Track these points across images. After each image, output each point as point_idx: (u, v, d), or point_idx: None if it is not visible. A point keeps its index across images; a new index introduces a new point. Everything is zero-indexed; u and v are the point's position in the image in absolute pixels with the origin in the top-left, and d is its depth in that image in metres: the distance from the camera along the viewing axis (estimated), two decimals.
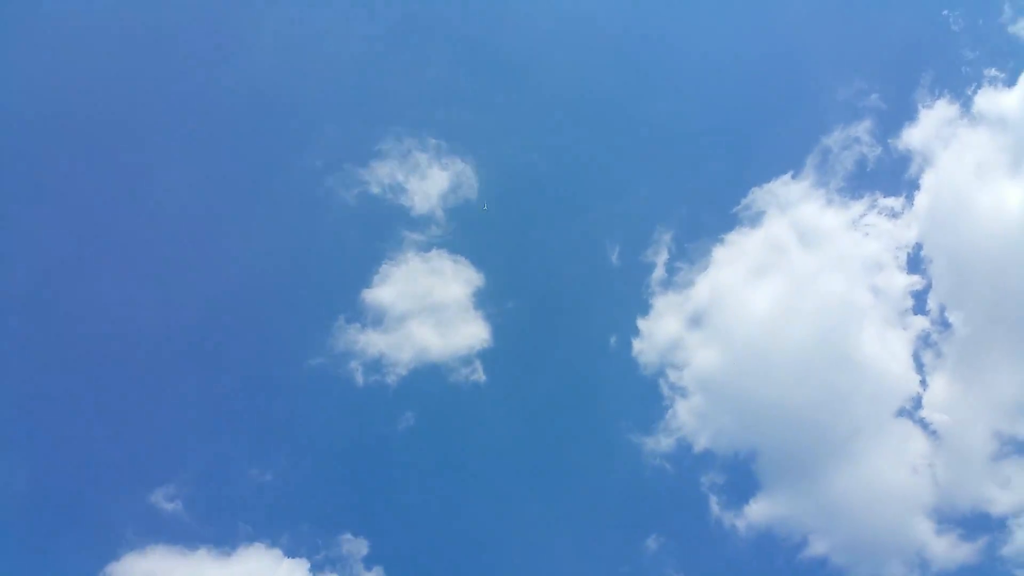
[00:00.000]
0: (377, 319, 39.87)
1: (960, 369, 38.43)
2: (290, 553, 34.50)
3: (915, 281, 39.39)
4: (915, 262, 39.66)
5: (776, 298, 39.99)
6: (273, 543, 34.61)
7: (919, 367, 38.64)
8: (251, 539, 34.66)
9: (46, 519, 34.63)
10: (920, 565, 34.64)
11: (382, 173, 41.98)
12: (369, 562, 34.95)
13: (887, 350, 39.19)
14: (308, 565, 34.31)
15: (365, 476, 37.99)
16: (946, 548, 34.76)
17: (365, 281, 40.41)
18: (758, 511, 36.66)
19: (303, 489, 36.95)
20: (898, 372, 38.93)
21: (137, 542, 33.82)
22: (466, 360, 39.53)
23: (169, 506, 34.94)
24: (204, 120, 42.38)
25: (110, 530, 34.46)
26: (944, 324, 38.58)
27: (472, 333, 40.06)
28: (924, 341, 38.82)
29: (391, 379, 39.02)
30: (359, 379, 38.80)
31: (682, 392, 39.24)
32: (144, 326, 38.90)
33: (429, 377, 39.21)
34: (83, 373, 37.75)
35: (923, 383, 38.48)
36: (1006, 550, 34.15)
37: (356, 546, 35.22)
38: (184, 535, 34.17)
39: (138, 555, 33.46)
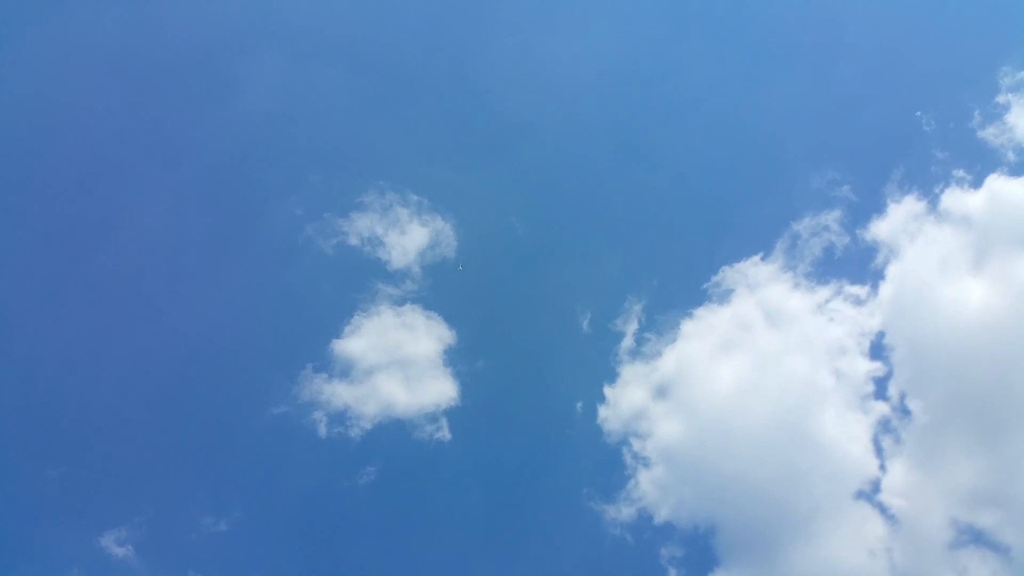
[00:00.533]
0: (345, 370, 39.92)
1: (919, 456, 39.02)
2: None
3: (877, 367, 40.12)
4: (877, 349, 40.45)
5: (741, 375, 40.58)
6: None
7: (878, 451, 39.21)
8: None
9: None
10: None
11: (362, 225, 42.52)
12: None
13: (847, 433, 39.68)
14: None
15: (322, 531, 37.47)
16: None
17: (336, 331, 40.55)
18: None
19: (257, 541, 36.41)
20: (857, 455, 39.38)
21: None
22: (432, 417, 39.68)
23: (119, 550, 34.38)
24: (187, 159, 43.10)
25: (53, 571, 33.74)
26: (904, 411, 39.25)
27: (440, 390, 40.26)
28: (884, 426, 39.44)
29: (355, 432, 39.03)
30: (322, 430, 38.81)
31: (645, 462, 39.55)
32: (106, 361, 38.85)
33: (394, 432, 39.23)
34: (43, 405, 37.30)
35: (882, 467, 38.94)
36: None
37: None
38: None
39: None
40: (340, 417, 38.90)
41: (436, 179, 43.77)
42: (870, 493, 38.22)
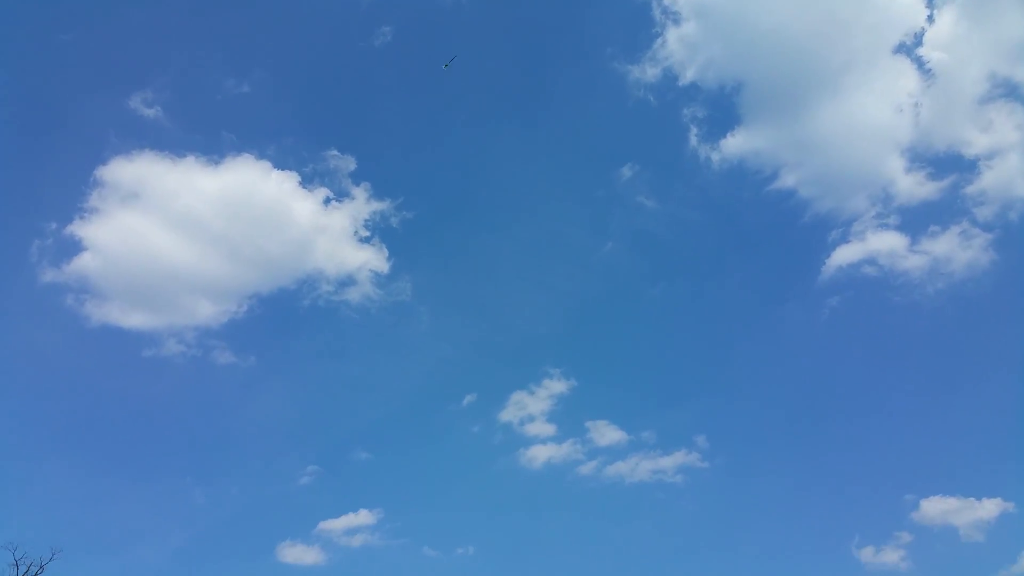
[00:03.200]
0: None
1: (971, 4, 36.21)
2: (279, 165, 35.45)
3: None
4: None
5: None
6: (261, 155, 35.36)
7: (929, 0, 36.51)
8: (238, 149, 35.31)
9: (24, 126, 35.10)
10: (883, 200, 35.84)
11: None
12: (356, 178, 36.27)
13: None
14: (298, 178, 35.54)
15: (345, 93, 37.95)
16: (911, 185, 35.71)
17: None
18: (735, 144, 37.11)
19: (283, 103, 37.27)
20: (905, 3, 36.71)
21: (122, 147, 34.37)
22: None
23: (149, 112, 35.10)
24: None
25: (92, 134, 35.08)
26: None
27: None
28: None
29: None
30: None
31: (675, 18, 37.38)
32: None
33: None
34: None
35: (930, 18, 36.45)
36: (970, 189, 35.10)
37: (343, 162, 36.27)
38: (169, 142, 34.71)
39: (125, 160, 34.10)
40: None
41: None
42: (911, 46, 36.28)
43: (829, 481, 31.84)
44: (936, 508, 30.01)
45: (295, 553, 29.52)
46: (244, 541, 30.06)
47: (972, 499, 29.75)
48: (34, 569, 19.53)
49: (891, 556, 29.60)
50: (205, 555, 28.93)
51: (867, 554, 29.88)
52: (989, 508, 29.31)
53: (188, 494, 31.03)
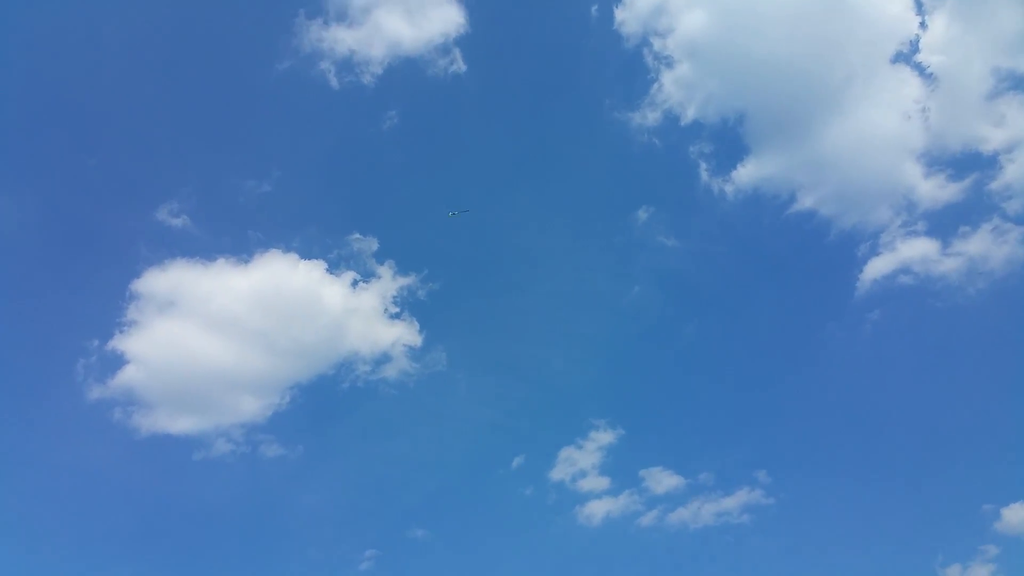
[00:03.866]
0: (340, 12, 37.83)
1: (962, 5, 36.53)
2: (305, 255, 36.20)
3: None
4: None
5: None
6: (287, 248, 36.17)
7: (919, 7, 36.79)
8: (265, 246, 36.15)
9: (57, 250, 36.05)
10: (907, 208, 35.56)
11: None
12: (380, 257, 36.85)
13: None
14: (324, 265, 36.24)
15: (360, 178, 38.89)
16: (933, 189, 35.46)
17: None
18: (746, 174, 37.14)
19: (303, 196, 38.15)
20: (895, 14, 37.10)
21: (154, 258, 35.40)
22: (443, 49, 38.13)
23: (176, 221, 36.19)
24: None
25: (124, 249, 36.08)
26: None
27: (446, 18, 38.01)
28: None
29: (367, 79, 38.21)
30: (333, 81, 38.01)
31: (668, 61, 38.02)
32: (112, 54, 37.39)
33: (406, 73, 38.22)
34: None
35: (922, 24, 36.80)
36: (994, 185, 34.80)
37: (366, 244, 36.97)
38: (198, 247, 35.65)
39: (158, 270, 35.15)
40: (347, 64, 37.86)
41: None
42: (908, 54, 36.63)
43: (900, 500, 31.04)
44: (1018, 516, 29.27)
45: None
46: None
47: None
48: None
49: (980, 572, 28.87)
50: None
51: (954, 573, 29.07)
52: None
53: None
